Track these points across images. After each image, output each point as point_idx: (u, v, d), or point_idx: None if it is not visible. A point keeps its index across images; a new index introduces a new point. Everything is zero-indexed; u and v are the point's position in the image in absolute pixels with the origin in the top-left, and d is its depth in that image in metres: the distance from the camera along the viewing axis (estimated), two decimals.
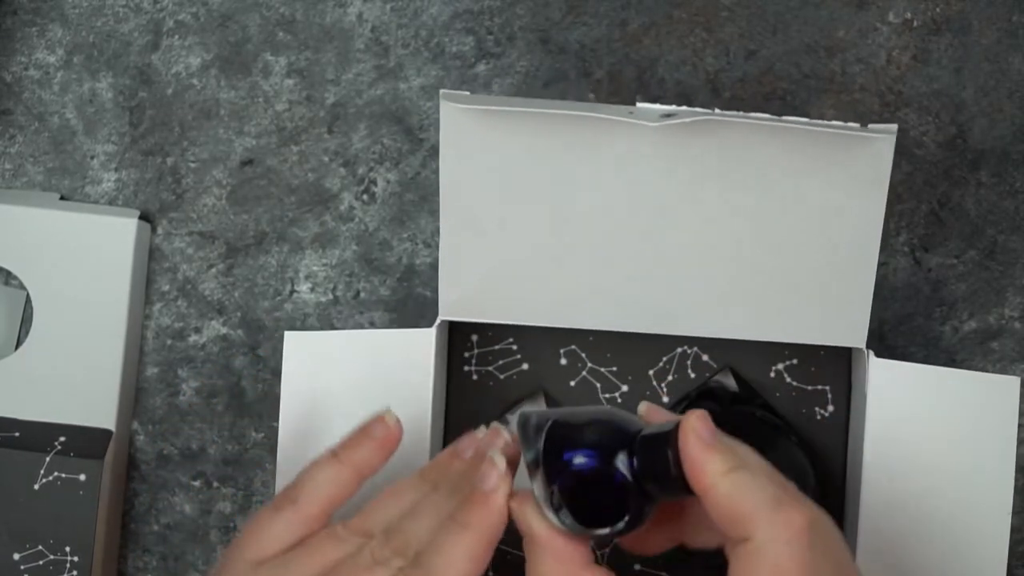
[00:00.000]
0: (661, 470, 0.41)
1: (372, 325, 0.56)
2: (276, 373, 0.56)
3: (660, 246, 0.49)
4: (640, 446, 0.42)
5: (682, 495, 0.41)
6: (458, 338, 0.54)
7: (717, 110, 0.46)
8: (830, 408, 0.53)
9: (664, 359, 0.54)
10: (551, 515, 0.42)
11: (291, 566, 0.45)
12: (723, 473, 0.41)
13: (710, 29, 0.55)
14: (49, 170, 0.56)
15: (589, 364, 0.54)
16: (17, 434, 0.53)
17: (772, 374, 0.53)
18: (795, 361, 0.53)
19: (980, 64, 0.54)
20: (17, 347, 0.55)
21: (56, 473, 0.52)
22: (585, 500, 0.41)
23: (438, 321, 0.50)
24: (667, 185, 0.48)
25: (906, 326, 0.54)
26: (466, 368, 0.54)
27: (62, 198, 0.56)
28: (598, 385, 0.54)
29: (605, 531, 0.41)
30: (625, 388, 0.54)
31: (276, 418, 0.56)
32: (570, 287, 0.50)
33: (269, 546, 0.46)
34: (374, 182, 0.56)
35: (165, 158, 0.56)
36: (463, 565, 0.42)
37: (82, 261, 0.54)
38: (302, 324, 0.56)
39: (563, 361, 0.54)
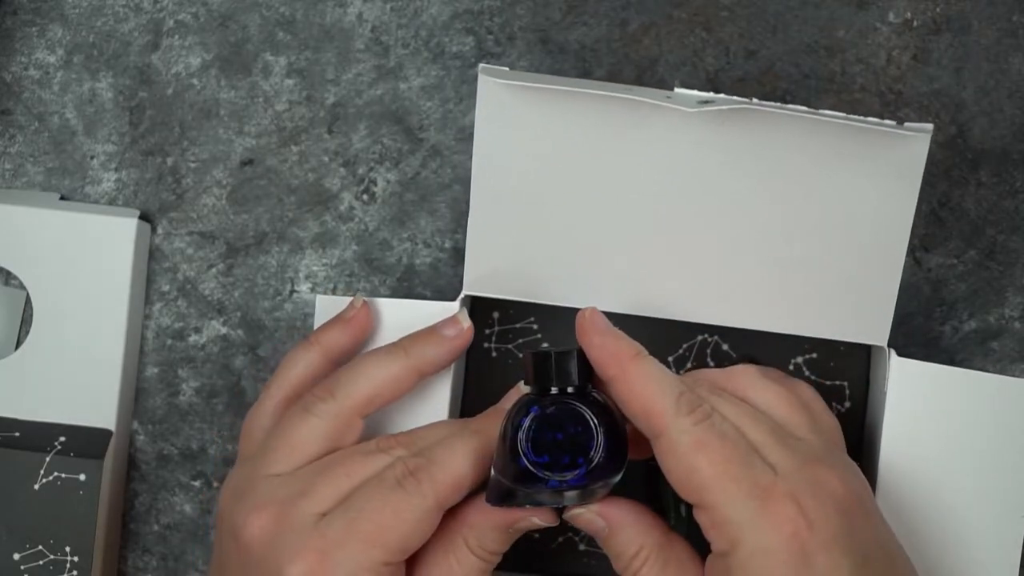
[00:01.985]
0: (570, 370, 0.44)
1: None
2: None
3: (688, 232, 0.49)
4: (536, 368, 0.44)
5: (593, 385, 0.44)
6: (480, 314, 0.54)
7: (755, 99, 0.46)
8: (847, 404, 0.53)
9: (684, 346, 0.54)
10: (582, 504, 0.44)
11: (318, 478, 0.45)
12: (631, 357, 0.43)
13: (710, 29, 0.55)
14: (49, 170, 0.56)
15: None
16: (17, 434, 0.53)
17: (791, 367, 0.53)
18: (815, 355, 0.53)
19: (980, 64, 0.54)
20: (17, 347, 0.55)
21: (56, 473, 0.52)
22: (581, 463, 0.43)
23: (461, 295, 0.50)
24: (699, 172, 0.48)
25: (906, 326, 0.54)
26: (486, 345, 0.54)
27: (62, 198, 0.56)
28: None
29: (590, 458, 0.43)
30: None
31: None
32: (595, 269, 0.50)
33: (299, 455, 0.46)
34: (374, 182, 0.56)
35: (165, 158, 0.56)
36: (463, 461, 0.45)
37: (82, 261, 0.54)
38: (302, 324, 0.56)
39: None
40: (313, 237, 0.56)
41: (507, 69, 0.48)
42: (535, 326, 0.54)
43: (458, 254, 0.55)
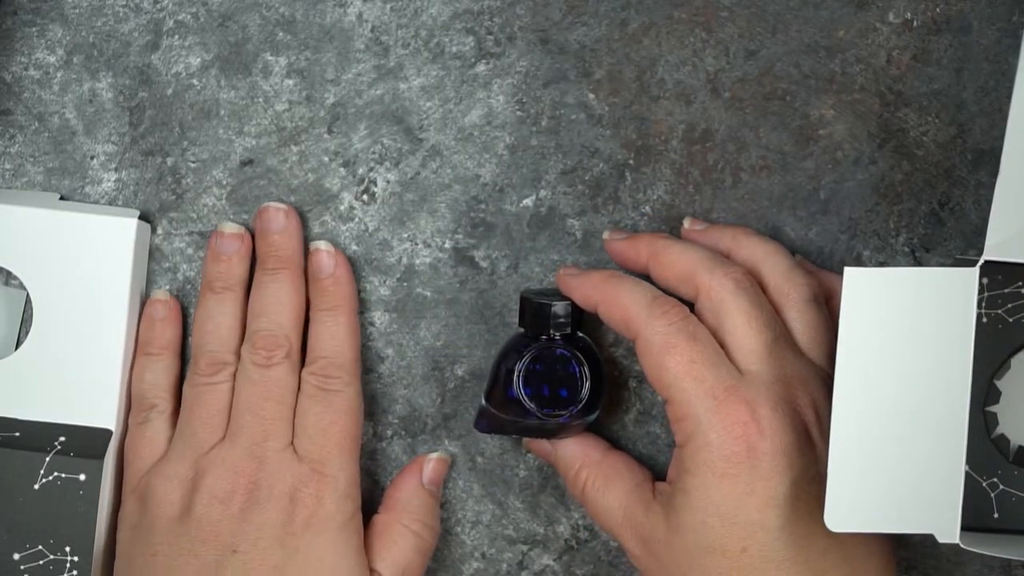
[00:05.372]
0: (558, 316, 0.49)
1: (372, 325, 0.56)
2: None
3: None
4: (533, 315, 0.50)
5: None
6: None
7: None
8: None
9: None
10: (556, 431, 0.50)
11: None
12: (606, 279, 0.49)
13: (710, 29, 0.55)
14: (49, 170, 0.56)
15: None
16: (17, 434, 0.53)
17: None
18: None
19: (980, 64, 0.54)
20: (17, 347, 0.55)
21: (56, 473, 0.52)
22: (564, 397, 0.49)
23: (981, 261, 0.46)
24: None
25: None
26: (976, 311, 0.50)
27: (62, 198, 0.56)
28: None
29: (579, 399, 0.49)
30: None
31: None
32: None
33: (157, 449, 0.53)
34: (374, 182, 0.56)
35: (165, 158, 0.56)
36: (349, 339, 0.52)
37: (82, 261, 0.54)
38: None
39: None
40: (313, 237, 0.56)
41: None
42: None
43: (458, 254, 0.55)
